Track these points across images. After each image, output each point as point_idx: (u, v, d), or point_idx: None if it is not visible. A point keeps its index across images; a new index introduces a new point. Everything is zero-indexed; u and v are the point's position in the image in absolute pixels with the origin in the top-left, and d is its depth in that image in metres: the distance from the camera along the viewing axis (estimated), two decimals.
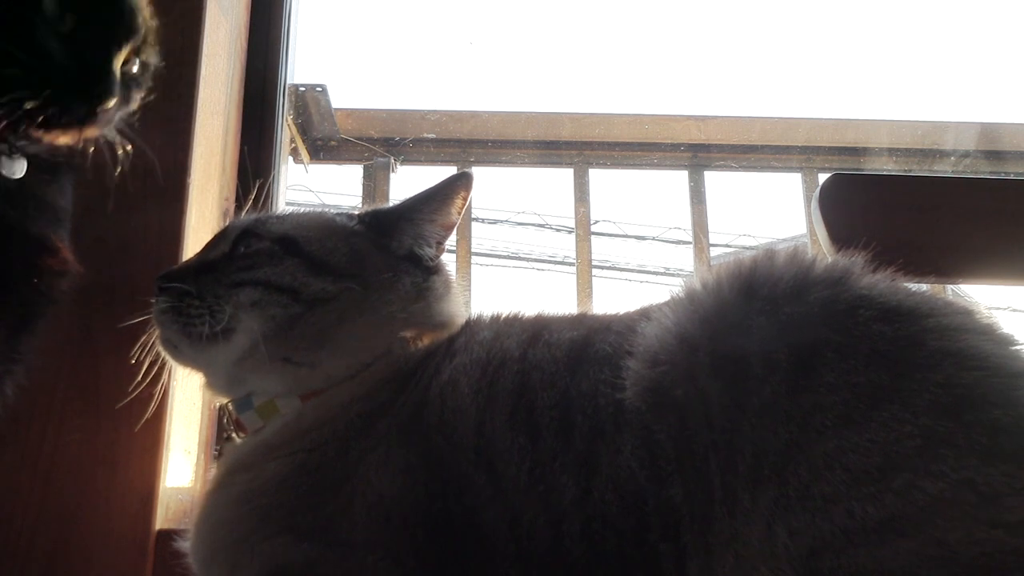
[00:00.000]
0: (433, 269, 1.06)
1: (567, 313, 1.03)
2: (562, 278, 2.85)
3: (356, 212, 1.10)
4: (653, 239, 2.82)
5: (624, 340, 0.87)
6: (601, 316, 0.99)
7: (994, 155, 2.08)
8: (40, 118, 0.75)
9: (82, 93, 0.79)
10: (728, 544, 0.74)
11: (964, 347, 0.76)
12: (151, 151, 1.08)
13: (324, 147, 2.04)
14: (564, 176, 1.99)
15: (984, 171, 2.05)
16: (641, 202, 2.73)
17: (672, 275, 2.83)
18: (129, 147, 0.92)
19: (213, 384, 1.05)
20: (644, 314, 0.90)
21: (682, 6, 3.30)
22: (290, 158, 1.87)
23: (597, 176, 1.99)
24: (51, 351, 1.25)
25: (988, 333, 0.80)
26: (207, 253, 1.06)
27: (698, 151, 2.03)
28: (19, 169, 0.82)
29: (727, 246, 2.48)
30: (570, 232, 1.97)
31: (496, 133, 2.03)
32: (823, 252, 1.20)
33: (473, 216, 2.05)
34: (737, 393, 0.77)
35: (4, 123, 0.73)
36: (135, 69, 0.89)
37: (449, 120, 2.02)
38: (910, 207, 1.29)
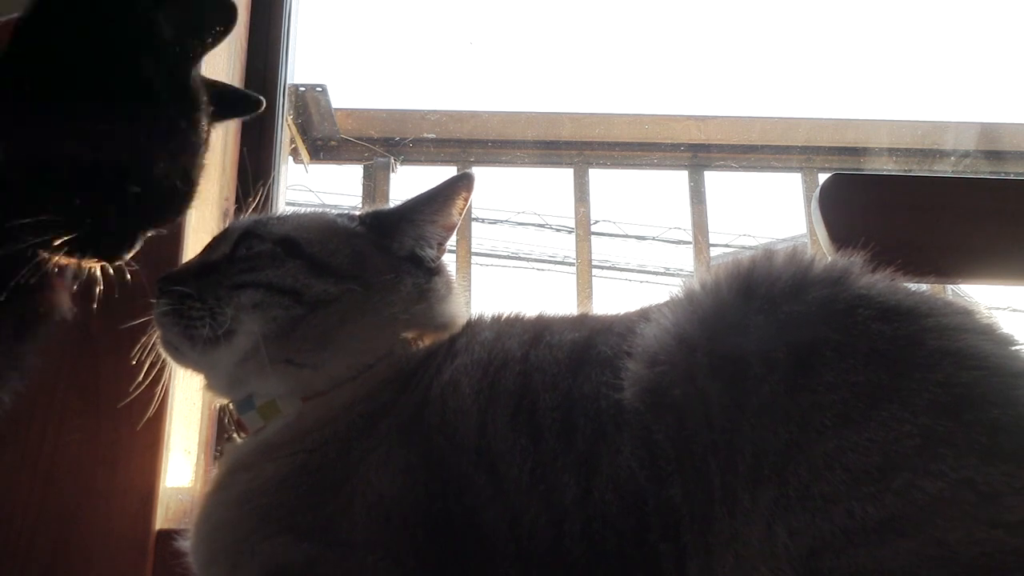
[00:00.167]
0: (434, 270, 1.06)
1: (568, 314, 1.03)
2: (562, 278, 2.85)
3: (357, 213, 1.10)
4: (653, 239, 2.82)
5: (624, 341, 0.87)
6: (603, 317, 1.00)
7: (994, 155, 2.08)
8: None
9: (112, 257, 0.90)
10: (728, 544, 0.74)
11: (963, 347, 0.76)
12: None
13: (324, 147, 2.04)
14: (564, 176, 2.00)
15: (984, 171, 2.05)
16: (641, 202, 2.73)
17: (672, 275, 2.83)
18: None
19: (214, 385, 1.05)
20: (644, 315, 0.90)
21: (682, 6, 3.30)
22: (290, 158, 1.87)
23: (597, 176, 2.00)
24: (51, 351, 1.25)
25: (988, 333, 0.80)
26: (208, 254, 1.06)
27: (698, 151, 2.03)
28: None
29: (727, 246, 2.48)
30: (570, 232, 1.97)
31: (496, 133, 2.03)
32: (823, 252, 1.20)
33: (473, 216, 2.06)
34: (736, 393, 0.77)
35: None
36: None
37: (449, 120, 2.03)
38: (910, 207, 1.29)
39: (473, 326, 1.02)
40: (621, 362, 0.85)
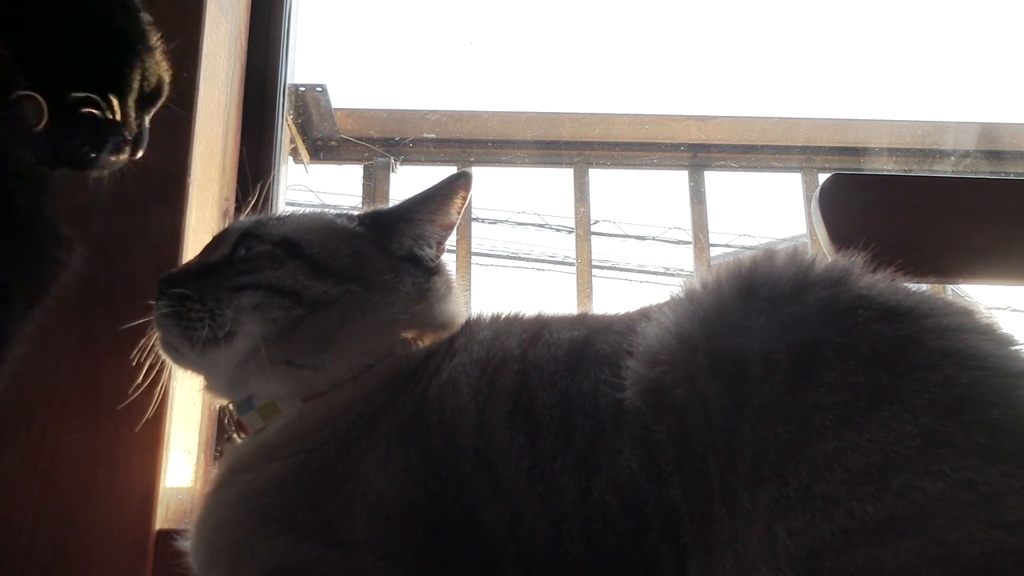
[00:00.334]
0: (434, 270, 1.06)
1: (567, 313, 1.03)
2: (562, 278, 2.85)
3: (356, 213, 1.10)
4: (653, 239, 2.82)
5: (624, 340, 0.87)
6: (602, 316, 0.99)
7: (994, 155, 2.08)
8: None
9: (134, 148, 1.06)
10: (728, 544, 0.74)
11: (964, 347, 0.76)
12: (151, 151, 1.08)
13: (324, 147, 2.04)
14: (564, 176, 2.00)
15: (984, 171, 2.05)
16: (641, 202, 2.73)
17: (672, 275, 2.83)
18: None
19: (214, 387, 1.05)
20: (644, 314, 0.90)
21: (682, 6, 3.30)
22: (290, 158, 1.87)
23: (597, 176, 2.00)
24: (51, 351, 1.25)
25: (988, 333, 0.80)
26: (208, 255, 1.06)
27: (698, 151, 2.03)
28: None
29: (727, 246, 2.48)
30: (570, 232, 1.97)
31: (496, 133, 2.03)
32: (823, 252, 1.20)
33: (473, 216, 2.05)
34: (736, 393, 0.77)
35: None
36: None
37: (449, 120, 2.02)
38: (910, 207, 1.29)
39: (472, 325, 1.02)
40: (621, 361, 0.84)
